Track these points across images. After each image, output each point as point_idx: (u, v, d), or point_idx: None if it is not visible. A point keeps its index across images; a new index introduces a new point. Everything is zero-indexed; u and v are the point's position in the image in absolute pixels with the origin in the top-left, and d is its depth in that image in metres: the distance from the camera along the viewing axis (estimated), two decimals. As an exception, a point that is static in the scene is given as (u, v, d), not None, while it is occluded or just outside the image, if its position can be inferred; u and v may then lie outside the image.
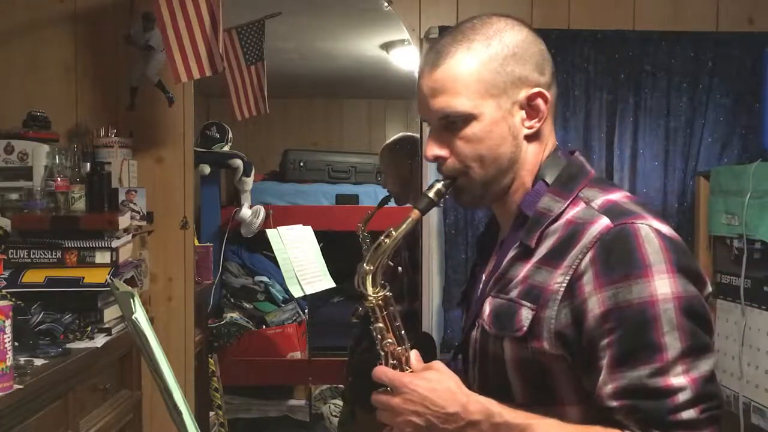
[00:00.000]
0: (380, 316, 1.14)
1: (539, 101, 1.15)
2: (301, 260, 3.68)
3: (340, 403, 3.93)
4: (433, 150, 1.17)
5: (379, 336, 1.14)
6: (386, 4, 2.94)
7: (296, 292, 3.60)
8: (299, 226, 3.84)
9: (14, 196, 2.53)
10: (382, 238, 1.13)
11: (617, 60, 2.86)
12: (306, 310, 4.09)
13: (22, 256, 2.37)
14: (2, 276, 2.24)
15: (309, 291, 3.62)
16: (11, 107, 2.72)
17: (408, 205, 3.03)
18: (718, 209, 2.70)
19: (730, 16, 2.96)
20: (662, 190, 2.88)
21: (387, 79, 4.25)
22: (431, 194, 1.16)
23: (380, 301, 1.13)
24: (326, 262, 3.81)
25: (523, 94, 1.15)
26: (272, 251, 3.64)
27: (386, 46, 3.86)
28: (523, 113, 1.16)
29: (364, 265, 1.13)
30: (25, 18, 2.84)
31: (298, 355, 4.06)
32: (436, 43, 1.18)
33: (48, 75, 2.83)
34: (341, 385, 3.92)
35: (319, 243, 3.86)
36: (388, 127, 4.91)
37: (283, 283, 3.81)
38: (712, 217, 2.74)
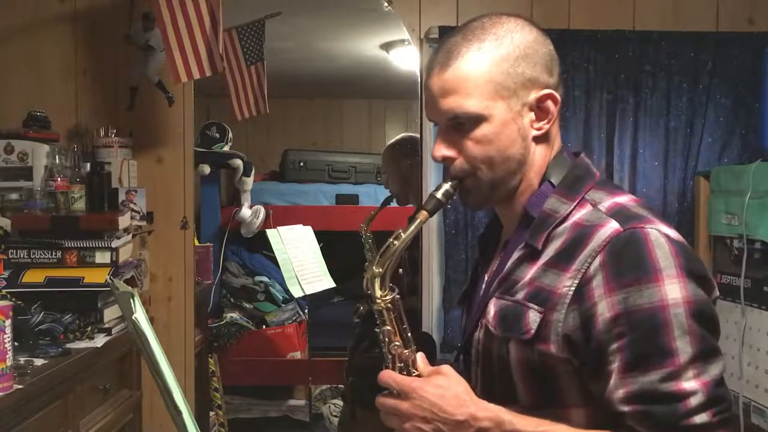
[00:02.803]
0: (388, 319, 1.13)
1: (549, 102, 1.15)
2: (301, 260, 3.68)
3: (340, 403, 3.93)
4: (441, 151, 1.16)
5: (386, 339, 1.13)
6: (386, 4, 2.94)
7: (296, 292, 3.60)
8: (299, 226, 3.84)
9: (14, 196, 2.53)
10: (391, 240, 1.12)
11: (617, 60, 2.86)
12: (306, 310, 4.09)
13: (22, 256, 2.37)
14: (2, 276, 2.24)
15: (309, 291, 3.62)
16: (11, 107, 2.72)
17: (410, 205, 3.04)
18: (718, 209, 2.70)
19: (730, 16, 2.96)
20: (662, 190, 2.88)
21: (387, 79, 4.24)
22: (439, 195, 1.15)
23: (388, 304, 1.13)
24: (326, 262, 3.81)
25: (533, 95, 1.14)
26: (272, 251, 3.65)
27: (386, 46, 3.86)
28: (532, 115, 1.15)
29: (373, 267, 1.12)
30: (25, 18, 2.84)
31: (298, 355, 4.06)
32: (445, 41, 1.16)
33: (48, 75, 2.84)
34: (341, 385, 3.92)
35: (319, 243, 3.86)
36: (388, 127, 4.90)
37: (283, 283, 3.81)
38: (712, 217, 2.74)
